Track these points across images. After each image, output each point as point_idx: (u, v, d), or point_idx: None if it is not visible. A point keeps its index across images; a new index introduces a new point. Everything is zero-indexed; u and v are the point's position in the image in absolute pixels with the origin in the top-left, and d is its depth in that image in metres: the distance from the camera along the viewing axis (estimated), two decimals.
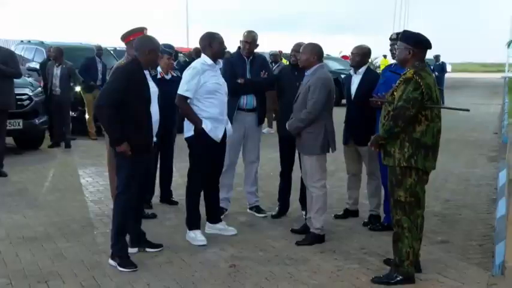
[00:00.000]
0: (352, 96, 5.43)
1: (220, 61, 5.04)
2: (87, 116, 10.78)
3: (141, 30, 5.11)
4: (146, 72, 4.35)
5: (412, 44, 3.96)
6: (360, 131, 5.29)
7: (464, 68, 69.33)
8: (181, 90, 4.78)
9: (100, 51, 11.38)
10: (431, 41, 4.06)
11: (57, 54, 9.98)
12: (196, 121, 4.74)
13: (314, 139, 4.80)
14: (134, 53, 4.38)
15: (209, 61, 4.82)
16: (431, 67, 4.85)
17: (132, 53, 5.01)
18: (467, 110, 4.39)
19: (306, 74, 4.91)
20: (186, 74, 4.83)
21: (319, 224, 4.87)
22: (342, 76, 11.60)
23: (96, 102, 4.23)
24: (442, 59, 21.08)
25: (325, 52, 5.23)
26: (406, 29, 5.50)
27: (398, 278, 4.00)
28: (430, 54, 4.58)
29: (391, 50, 5.24)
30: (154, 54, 4.33)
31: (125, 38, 5.18)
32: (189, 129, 4.83)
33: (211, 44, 4.82)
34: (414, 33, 4.08)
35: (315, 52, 4.84)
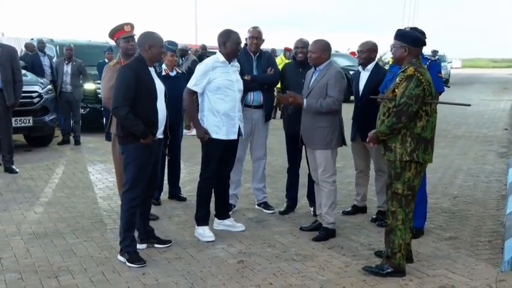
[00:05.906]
0: (360, 92, 5.42)
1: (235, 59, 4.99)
2: None
3: (121, 28, 5.10)
4: (152, 69, 4.35)
5: (407, 42, 4.02)
6: (367, 128, 5.21)
7: (474, 63, 68.90)
8: (190, 84, 4.84)
9: (41, 44, 11.29)
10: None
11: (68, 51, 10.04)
12: (198, 127, 4.82)
13: (331, 133, 4.84)
14: (137, 49, 4.39)
15: (221, 58, 4.84)
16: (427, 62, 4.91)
17: (123, 51, 5.07)
18: (468, 105, 4.38)
19: (318, 69, 4.91)
20: (198, 69, 4.90)
21: (333, 218, 4.93)
22: (351, 72, 11.56)
23: (112, 105, 4.22)
24: (445, 55, 21.14)
25: (334, 49, 5.23)
26: (415, 25, 5.50)
27: (388, 270, 4.04)
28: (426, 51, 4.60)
29: None
30: (156, 48, 4.29)
31: (112, 36, 5.20)
32: None
33: (226, 43, 4.82)
34: (409, 32, 4.19)
35: (326, 48, 4.89)
